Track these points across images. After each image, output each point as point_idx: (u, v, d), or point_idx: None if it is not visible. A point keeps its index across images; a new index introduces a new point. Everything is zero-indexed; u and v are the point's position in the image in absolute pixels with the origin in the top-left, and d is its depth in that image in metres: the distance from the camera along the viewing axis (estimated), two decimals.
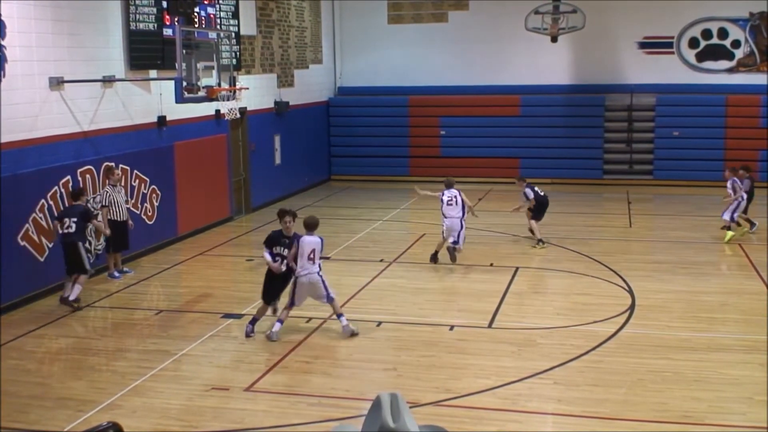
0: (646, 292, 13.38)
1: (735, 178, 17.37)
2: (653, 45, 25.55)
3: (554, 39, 24.20)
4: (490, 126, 25.94)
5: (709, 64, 25.53)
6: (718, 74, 25.43)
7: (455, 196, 15.10)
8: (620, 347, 10.92)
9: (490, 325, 11.94)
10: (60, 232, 12.88)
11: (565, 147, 25.29)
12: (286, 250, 11.31)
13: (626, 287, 13.72)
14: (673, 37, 25.49)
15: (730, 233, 17.13)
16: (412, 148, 26.57)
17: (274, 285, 11.55)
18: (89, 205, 14.14)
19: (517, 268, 15.06)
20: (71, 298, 12.74)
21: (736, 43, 25.35)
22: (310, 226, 11.41)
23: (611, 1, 25.17)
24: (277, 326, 11.30)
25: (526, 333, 11.55)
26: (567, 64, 26.03)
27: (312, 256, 11.20)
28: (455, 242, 15.03)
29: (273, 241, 11.44)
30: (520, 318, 12.26)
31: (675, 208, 21.02)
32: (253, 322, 11.49)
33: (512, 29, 25.10)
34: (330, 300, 11.40)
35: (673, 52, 25.55)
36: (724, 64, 25.46)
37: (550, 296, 13.65)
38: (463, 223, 15.10)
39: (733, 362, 10.38)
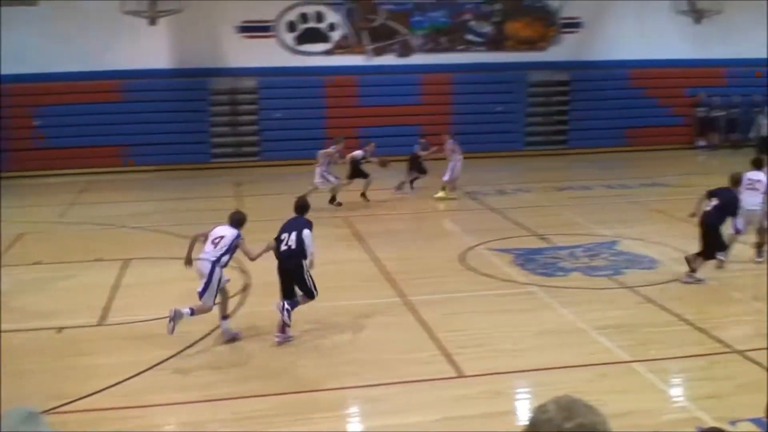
0: (260, 271, 13.40)
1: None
2: (253, 29, 25.89)
3: (153, 22, 23.60)
4: (91, 113, 24.68)
5: (307, 47, 26.46)
6: (316, 56, 26.42)
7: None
8: (238, 327, 10.86)
9: (102, 322, 11.31)
10: None
11: (172, 132, 24.86)
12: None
13: (241, 267, 13.70)
14: (271, 21, 26.02)
15: (442, 192, 19.25)
16: (7, 141, 24.51)
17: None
18: None
19: (128, 260, 14.45)
20: None
21: (333, 26, 26.50)
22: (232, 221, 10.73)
23: None
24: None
25: (140, 326, 11.09)
26: (169, 47, 25.52)
27: (217, 241, 10.40)
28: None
29: None
30: (135, 311, 11.74)
31: (283, 187, 21.43)
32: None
33: (109, 12, 23.96)
34: (200, 296, 10.28)
35: (272, 36, 26.10)
36: (322, 46, 26.52)
37: (163, 285, 13.18)
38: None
39: (348, 326, 10.93)
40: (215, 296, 10.35)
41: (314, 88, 26.02)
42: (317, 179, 18.29)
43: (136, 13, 23.25)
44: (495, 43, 27.46)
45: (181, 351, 10.05)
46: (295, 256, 10.40)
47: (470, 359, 9.69)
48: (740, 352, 9.74)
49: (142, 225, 17.30)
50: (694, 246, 14.41)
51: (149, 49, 24.87)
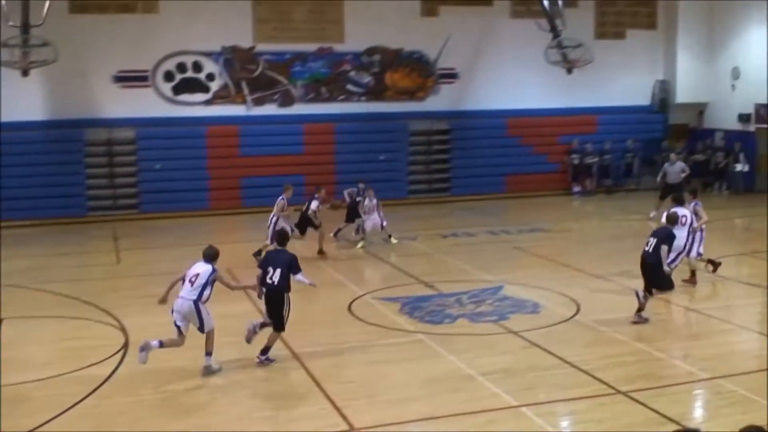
0: (139, 328, 12.98)
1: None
2: (128, 79, 25.39)
3: (25, 73, 22.88)
4: None
5: (186, 97, 26.11)
6: (196, 106, 26.11)
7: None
8: (119, 387, 10.51)
9: None
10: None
11: (46, 185, 24.03)
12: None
13: (119, 325, 13.27)
14: (148, 71, 25.61)
15: (362, 242, 19.65)
16: None
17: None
18: None
19: (2, 319, 13.78)
20: None
21: (211, 76, 26.28)
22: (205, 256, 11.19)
23: (83, 35, 24.48)
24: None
25: (15, 388, 10.54)
26: (42, 98, 24.73)
27: (193, 279, 10.84)
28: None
29: None
30: (10, 373, 11.14)
31: (162, 241, 21.00)
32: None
33: None
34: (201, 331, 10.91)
35: (149, 86, 25.67)
36: (201, 96, 26.23)
37: (40, 345, 12.66)
38: None
39: (233, 381, 10.66)
40: (210, 317, 10.92)
41: (194, 139, 25.69)
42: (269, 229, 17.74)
43: (7, 64, 22.47)
44: (375, 93, 27.77)
45: (60, 414, 9.60)
46: (278, 291, 11.19)
47: (360, 411, 9.60)
48: (624, 393, 9.96)
49: (17, 282, 16.54)
50: (575, 289, 14.84)
51: (22, 100, 23.94)
